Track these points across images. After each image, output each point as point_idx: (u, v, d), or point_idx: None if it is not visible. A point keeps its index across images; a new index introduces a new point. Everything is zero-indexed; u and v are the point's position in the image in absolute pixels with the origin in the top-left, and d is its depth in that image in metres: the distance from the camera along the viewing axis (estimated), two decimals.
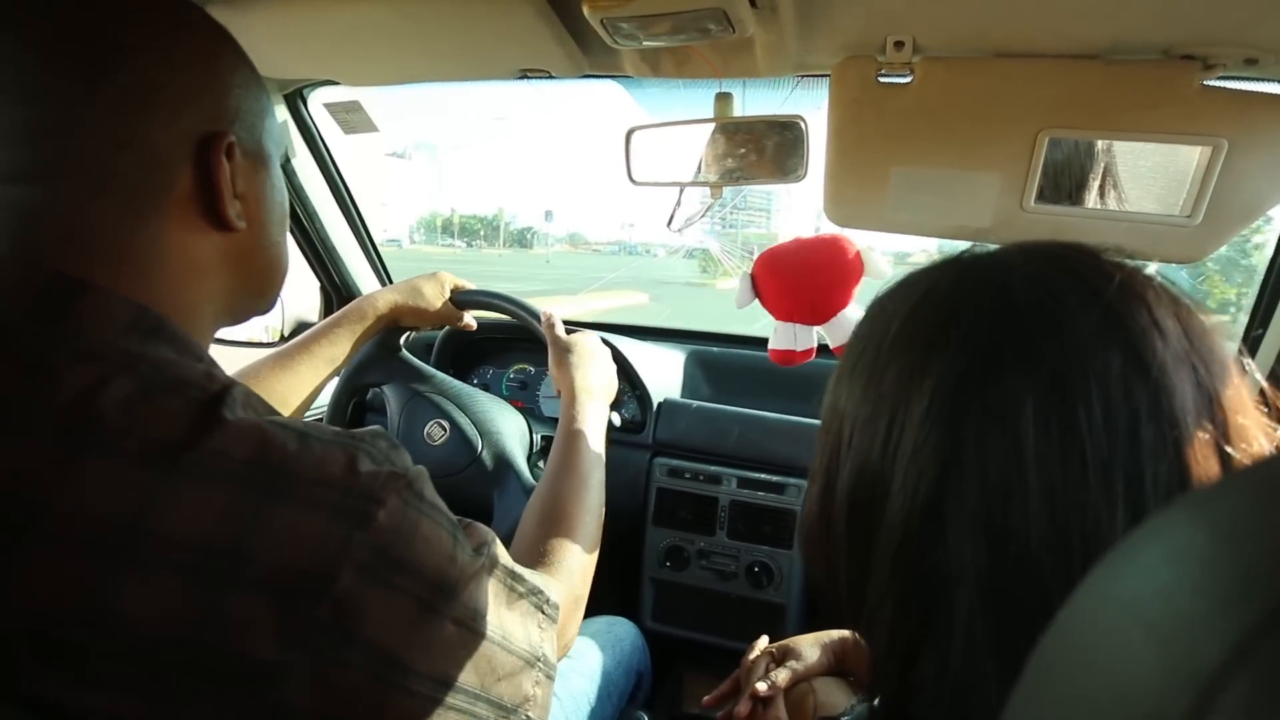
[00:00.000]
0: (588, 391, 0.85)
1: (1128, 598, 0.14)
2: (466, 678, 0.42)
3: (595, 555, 0.66)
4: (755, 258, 0.95)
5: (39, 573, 0.32)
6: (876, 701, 0.35)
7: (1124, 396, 0.28)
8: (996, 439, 0.29)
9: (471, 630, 0.42)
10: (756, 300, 0.95)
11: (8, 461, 0.33)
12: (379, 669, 0.37)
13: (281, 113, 1.13)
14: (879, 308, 0.37)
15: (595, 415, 0.83)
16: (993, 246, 0.36)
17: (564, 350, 0.88)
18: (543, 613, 0.50)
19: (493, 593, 0.45)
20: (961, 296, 0.33)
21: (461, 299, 0.97)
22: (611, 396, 0.91)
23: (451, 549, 0.42)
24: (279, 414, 0.40)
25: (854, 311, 0.93)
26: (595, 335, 0.94)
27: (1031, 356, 0.29)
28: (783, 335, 0.96)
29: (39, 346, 0.36)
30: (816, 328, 0.94)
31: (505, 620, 0.45)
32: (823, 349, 0.96)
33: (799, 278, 0.92)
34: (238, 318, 0.50)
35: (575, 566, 0.61)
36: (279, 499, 0.36)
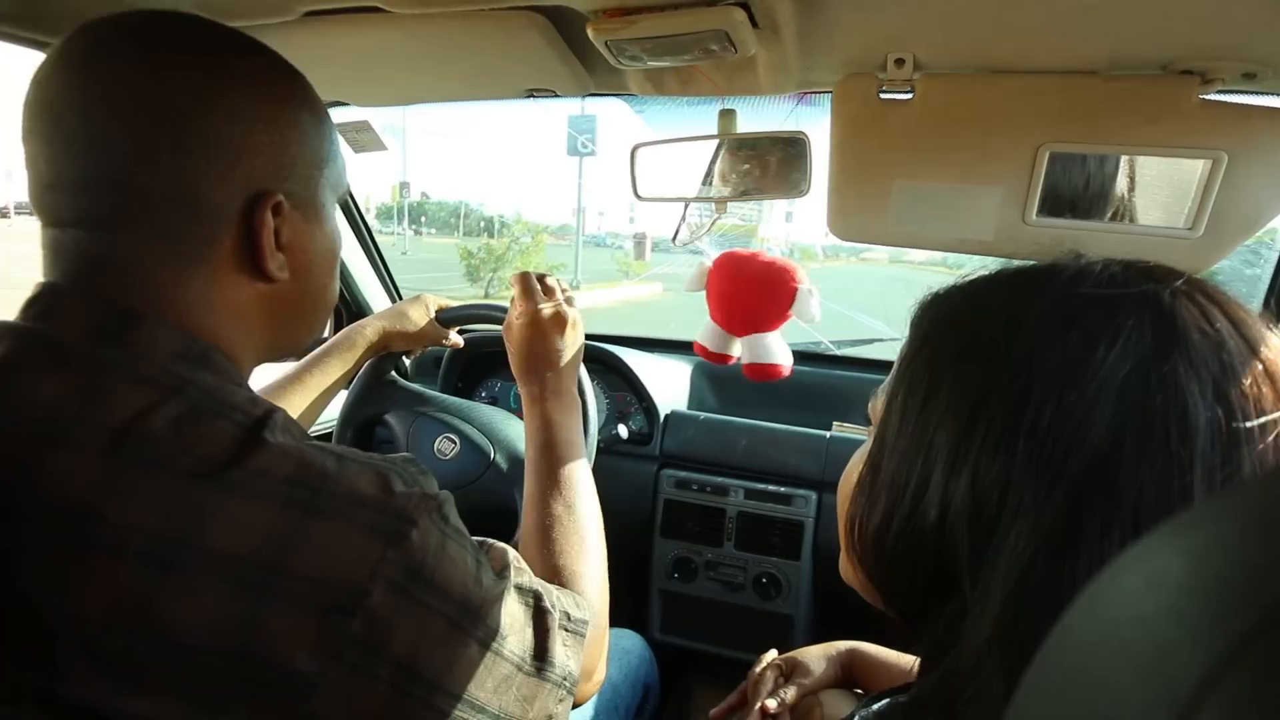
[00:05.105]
0: (532, 375, 0.71)
1: (1111, 622, 0.15)
2: (489, 698, 0.43)
3: (605, 572, 0.63)
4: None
5: (92, 580, 0.34)
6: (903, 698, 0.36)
7: None
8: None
9: (496, 653, 0.43)
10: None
11: (65, 474, 0.35)
12: (406, 685, 0.39)
13: None
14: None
15: (559, 406, 0.70)
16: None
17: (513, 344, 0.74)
18: (566, 630, 0.50)
19: (517, 615, 0.46)
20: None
21: (445, 317, 0.99)
22: (568, 358, 0.73)
23: (476, 572, 0.43)
24: (315, 439, 0.42)
25: (774, 340, 0.95)
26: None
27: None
28: (708, 333, 1.00)
29: (98, 368, 0.38)
30: (737, 339, 0.98)
31: (529, 641, 0.46)
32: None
33: (735, 287, 0.96)
34: (278, 356, 0.52)
35: (591, 593, 0.58)
36: (318, 515, 0.37)
